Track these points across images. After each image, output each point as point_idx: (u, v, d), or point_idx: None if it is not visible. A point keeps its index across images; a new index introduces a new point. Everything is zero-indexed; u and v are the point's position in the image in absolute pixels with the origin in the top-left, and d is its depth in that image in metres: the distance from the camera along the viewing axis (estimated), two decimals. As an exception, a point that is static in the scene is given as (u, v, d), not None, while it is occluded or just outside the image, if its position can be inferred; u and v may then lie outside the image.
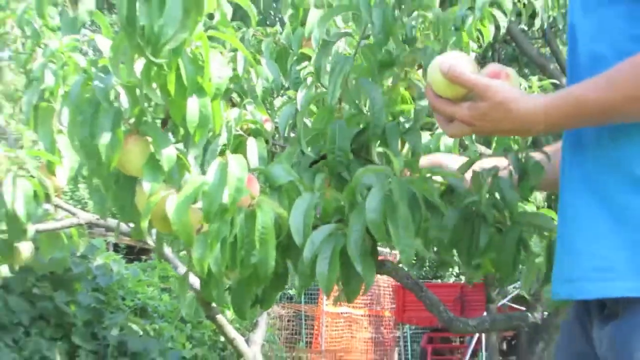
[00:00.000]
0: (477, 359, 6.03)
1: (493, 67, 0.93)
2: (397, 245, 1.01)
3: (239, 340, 1.91)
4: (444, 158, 1.23)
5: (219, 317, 1.86)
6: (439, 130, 1.55)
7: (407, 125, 1.27)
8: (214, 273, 1.03)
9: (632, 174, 0.79)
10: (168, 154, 1.04)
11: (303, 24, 1.66)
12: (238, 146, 1.30)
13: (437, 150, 1.54)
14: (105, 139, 1.03)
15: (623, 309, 0.77)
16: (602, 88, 0.78)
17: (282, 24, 1.89)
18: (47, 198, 1.55)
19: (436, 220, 1.09)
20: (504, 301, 5.88)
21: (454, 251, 1.17)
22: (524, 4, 2.38)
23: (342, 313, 7.06)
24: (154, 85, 1.05)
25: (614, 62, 0.79)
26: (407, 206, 1.00)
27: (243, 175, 1.02)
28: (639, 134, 0.80)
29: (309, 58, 1.60)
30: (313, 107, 1.43)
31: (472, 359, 6.01)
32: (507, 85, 0.85)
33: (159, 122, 1.15)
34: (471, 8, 1.76)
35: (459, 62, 0.87)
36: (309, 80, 1.44)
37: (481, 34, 1.89)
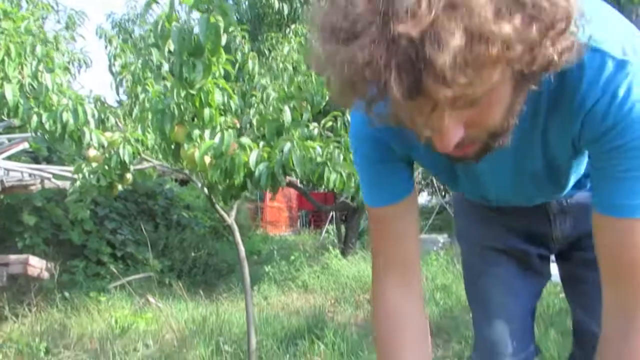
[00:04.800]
0: (331, 224, 11.07)
1: None
2: (300, 173, 1.94)
3: (225, 215, 2.68)
4: None
5: (216, 206, 2.60)
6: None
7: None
8: (217, 182, 2.01)
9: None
10: (196, 133, 2.05)
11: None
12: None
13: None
14: (167, 127, 1.98)
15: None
16: None
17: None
18: (139, 154, 2.44)
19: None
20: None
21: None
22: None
23: (275, 206, 12.54)
24: (189, 103, 1.95)
25: None
26: (299, 156, 1.90)
27: (230, 140, 1.94)
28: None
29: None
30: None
31: (329, 223, 11.12)
32: None
33: (191, 119, 2.09)
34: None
35: None
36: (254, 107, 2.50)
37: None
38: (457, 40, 0.54)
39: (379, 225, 1.04)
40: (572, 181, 1.01)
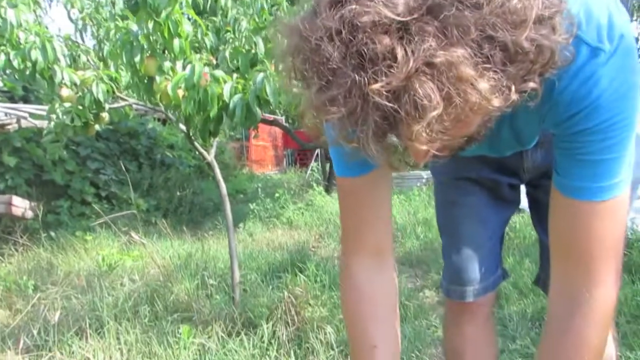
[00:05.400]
0: (317, 161, 11.06)
1: None
2: (274, 104, 1.91)
3: (204, 153, 2.64)
4: None
5: (195, 143, 2.56)
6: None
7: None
8: (190, 115, 1.96)
9: None
10: (167, 65, 2.02)
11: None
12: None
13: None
14: (137, 59, 1.93)
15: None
16: None
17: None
18: (113, 92, 2.41)
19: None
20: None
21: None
22: None
23: (260, 145, 12.54)
24: (158, 33, 1.89)
25: None
26: (273, 87, 1.85)
27: (201, 71, 1.90)
28: None
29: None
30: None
31: (314, 161, 11.13)
32: None
33: (161, 51, 2.03)
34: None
35: None
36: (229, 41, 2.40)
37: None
38: (434, 103, 0.51)
39: (350, 197, 0.99)
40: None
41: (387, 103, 0.52)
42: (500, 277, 1.41)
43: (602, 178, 0.77)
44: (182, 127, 2.59)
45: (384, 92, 0.51)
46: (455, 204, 1.36)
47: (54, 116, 2.66)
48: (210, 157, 2.95)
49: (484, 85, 0.52)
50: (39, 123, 3.90)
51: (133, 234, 2.95)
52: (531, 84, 0.59)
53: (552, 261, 0.89)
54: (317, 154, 10.51)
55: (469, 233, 1.35)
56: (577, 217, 0.81)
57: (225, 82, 1.98)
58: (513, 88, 0.56)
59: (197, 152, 8.78)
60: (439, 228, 1.45)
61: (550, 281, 0.89)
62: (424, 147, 0.56)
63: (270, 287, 3.02)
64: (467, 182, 1.33)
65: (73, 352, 2.28)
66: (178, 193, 6.90)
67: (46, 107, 4.12)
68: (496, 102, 0.55)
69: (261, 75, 1.91)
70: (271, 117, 6.29)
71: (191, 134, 2.56)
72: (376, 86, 0.51)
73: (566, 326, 0.83)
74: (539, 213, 1.34)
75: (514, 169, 1.28)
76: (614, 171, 0.77)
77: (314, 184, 6.88)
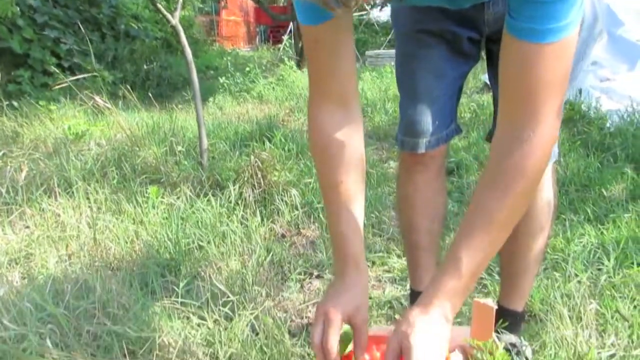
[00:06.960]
0: (289, 36, 10.73)
1: None
2: None
3: (168, 16, 2.56)
4: None
5: (158, 5, 2.48)
6: None
7: None
8: None
9: None
10: None
11: None
12: None
13: None
14: None
15: None
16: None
17: None
18: None
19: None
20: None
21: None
22: None
23: (231, 19, 12.07)
24: None
25: None
26: None
27: None
28: None
29: None
30: None
31: (287, 35, 10.75)
32: None
33: None
34: None
35: None
36: None
37: None
38: None
39: (313, 46, 1.01)
40: None
41: None
42: (453, 131, 1.46)
43: (551, 20, 0.78)
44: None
45: None
46: (413, 57, 1.37)
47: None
48: (175, 20, 2.84)
49: None
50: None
51: (98, 98, 2.91)
52: None
53: (500, 104, 0.92)
54: (290, 30, 10.16)
55: (425, 86, 1.37)
56: (525, 59, 0.82)
57: None
58: None
59: (164, 25, 8.48)
60: (397, 82, 1.47)
61: (497, 123, 0.94)
62: None
63: (238, 153, 3.08)
64: (427, 34, 1.33)
65: (43, 209, 2.35)
66: (145, 66, 6.71)
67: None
68: None
69: None
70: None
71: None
72: None
73: (507, 157, 0.88)
74: (494, 68, 1.36)
75: (474, 22, 1.27)
76: (563, 13, 0.77)
77: (286, 59, 6.74)
